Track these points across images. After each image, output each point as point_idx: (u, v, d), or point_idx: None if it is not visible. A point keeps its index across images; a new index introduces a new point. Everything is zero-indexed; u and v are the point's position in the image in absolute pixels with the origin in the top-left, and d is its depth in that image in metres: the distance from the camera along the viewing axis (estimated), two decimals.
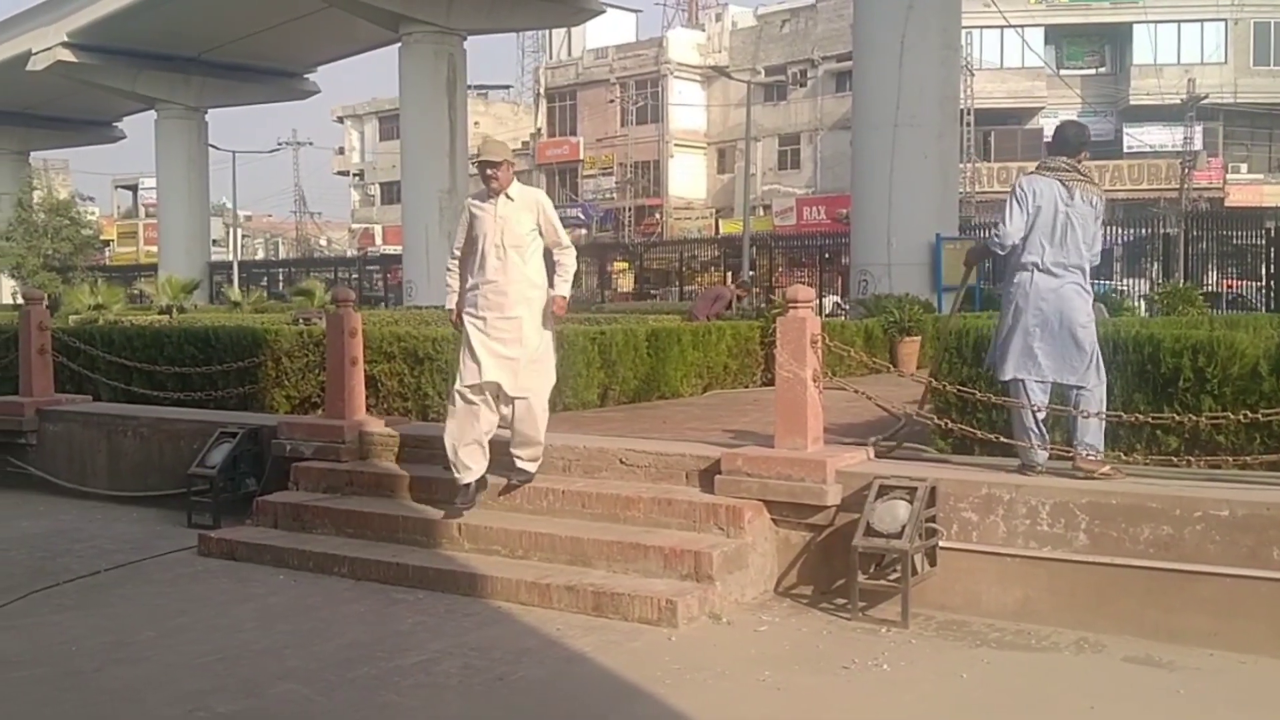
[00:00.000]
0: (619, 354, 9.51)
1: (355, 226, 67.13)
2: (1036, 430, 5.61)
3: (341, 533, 6.64)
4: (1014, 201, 5.66)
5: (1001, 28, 40.77)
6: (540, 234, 6.39)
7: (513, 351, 6.23)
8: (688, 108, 50.94)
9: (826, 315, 21.82)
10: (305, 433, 7.57)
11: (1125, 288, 24.50)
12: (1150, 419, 5.58)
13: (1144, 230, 26.19)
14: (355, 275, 41.15)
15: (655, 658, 4.83)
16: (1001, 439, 5.82)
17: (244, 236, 67.15)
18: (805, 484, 5.77)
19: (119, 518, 8.06)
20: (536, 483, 6.43)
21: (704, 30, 52.89)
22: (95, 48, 38.42)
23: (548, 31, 56.34)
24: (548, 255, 6.52)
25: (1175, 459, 5.58)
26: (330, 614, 5.55)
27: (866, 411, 7.16)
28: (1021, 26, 41.41)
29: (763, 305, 17.61)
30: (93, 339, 10.30)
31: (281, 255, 70.92)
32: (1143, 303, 20.90)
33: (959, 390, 6.16)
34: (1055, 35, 44.38)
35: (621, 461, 6.50)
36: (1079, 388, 5.54)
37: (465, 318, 6.36)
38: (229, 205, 55.45)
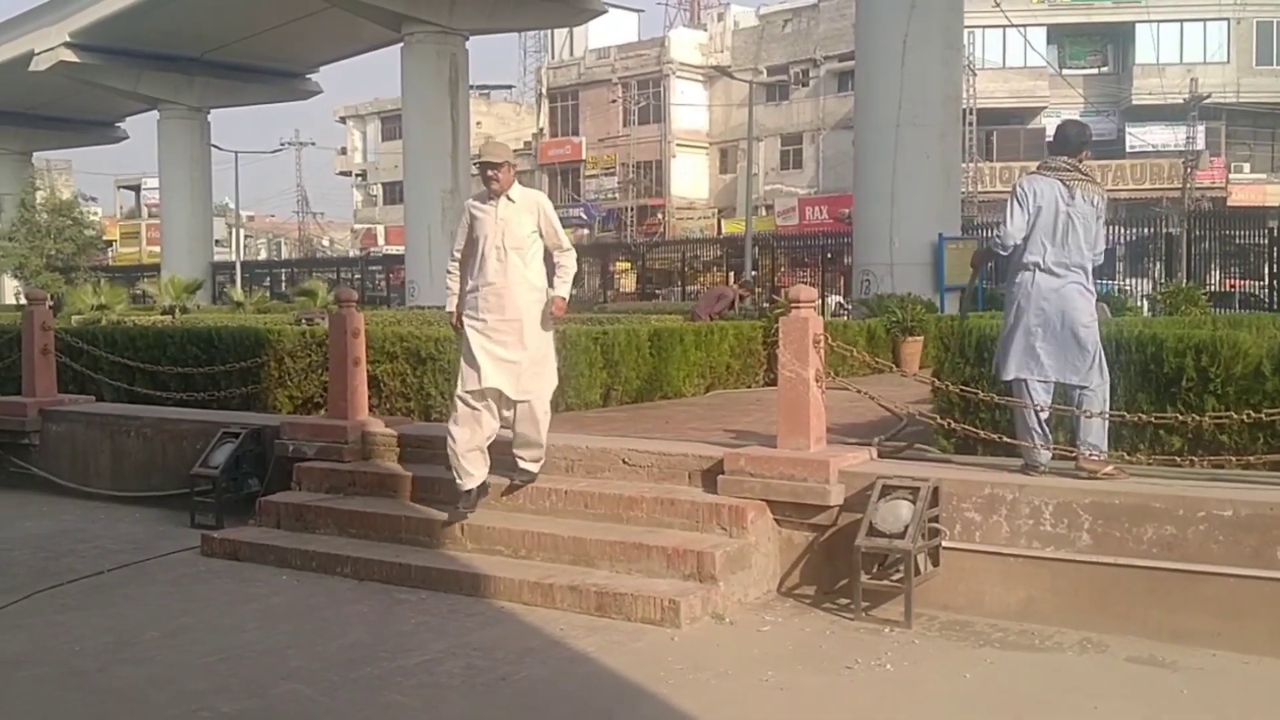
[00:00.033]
0: (621, 354, 9.52)
1: (358, 227, 67.15)
2: (1039, 430, 5.60)
3: (344, 533, 6.65)
4: (1014, 202, 5.66)
5: (1004, 27, 40.74)
6: (541, 236, 6.38)
7: (514, 354, 6.21)
8: (690, 108, 50.94)
9: (830, 315, 21.81)
10: (308, 433, 7.57)
11: (1128, 287, 24.49)
12: (1153, 419, 5.58)
13: (1147, 230, 26.20)
14: (358, 275, 41.20)
15: (658, 658, 4.83)
16: (1004, 439, 5.82)
17: (246, 237, 67.25)
18: (808, 484, 5.77)
19: (122, 518, 8.07)
20: (539, 483, 6.43)
21: (706, 30, 52.91)
22: (98, 48, 38.43)
23: (550, 31, 56.36)
24: (548, 257, 6.51)
25: (1179, 459, 5.58)
26: (333, 614, 5.55)
27: (869, 411, 7.17)
28: (1024, 26, 41.40)
29: (765, 305, 17.59)
30: (95, 339, 10.30)
31: (284, 255, 70.90)
32: (1146, 302, 20.89)
33: (962, 390, 6.15)
34: (1058, 35, 44.36)
35: (624, 462, 6.51)
36: (1082, 387, 5.54)
37: (465, 320, 6.33)
38: (232, 205, 55.60)
